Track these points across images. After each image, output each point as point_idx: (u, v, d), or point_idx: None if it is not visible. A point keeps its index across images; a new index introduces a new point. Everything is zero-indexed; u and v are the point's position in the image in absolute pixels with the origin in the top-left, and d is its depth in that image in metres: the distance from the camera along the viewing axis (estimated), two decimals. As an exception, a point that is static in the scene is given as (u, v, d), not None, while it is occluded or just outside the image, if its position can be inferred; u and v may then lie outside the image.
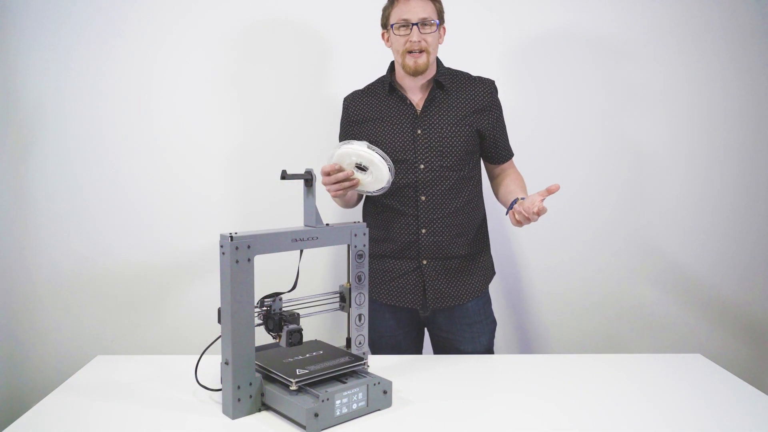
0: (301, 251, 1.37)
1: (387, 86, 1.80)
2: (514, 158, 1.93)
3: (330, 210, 2.20)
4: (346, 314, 1.45)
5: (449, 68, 1.84)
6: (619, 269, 2.39)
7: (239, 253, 1.22)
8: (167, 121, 2.27)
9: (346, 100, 1.89)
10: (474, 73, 1.85)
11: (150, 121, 2.26)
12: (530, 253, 2.39)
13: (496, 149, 1.86)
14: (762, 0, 2.29)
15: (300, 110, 2.29)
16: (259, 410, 1.30)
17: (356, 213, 2.05)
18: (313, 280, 2.32)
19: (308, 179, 1.37)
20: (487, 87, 1.82)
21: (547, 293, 2.40)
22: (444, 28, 1.79)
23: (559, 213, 2.37)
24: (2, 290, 2.26)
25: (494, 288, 1.99)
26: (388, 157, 1.56)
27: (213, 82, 2.27)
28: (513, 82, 2.29)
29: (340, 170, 1.57)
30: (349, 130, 1.86)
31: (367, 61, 2.24)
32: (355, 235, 1.42)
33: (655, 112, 2.34)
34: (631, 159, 2.36)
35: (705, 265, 2.40)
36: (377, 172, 1.55)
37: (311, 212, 1.37)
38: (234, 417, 1.26)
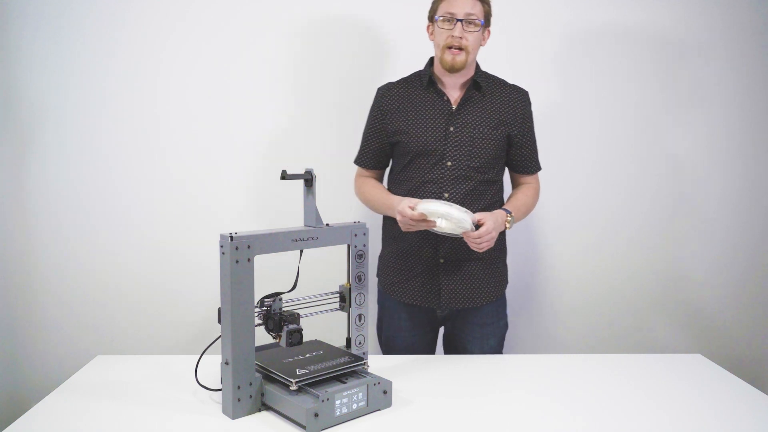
0: (301, 251, 1.37)
1: (425, 79, 1.79)
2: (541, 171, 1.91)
3: (330, 210, 2.20)
4: (346, 314, 1.45)
5: (486, 72, 1.83)
6: (619, 270, 2.39)
7: (239, 253, 1.22)
8: (168, 121, 2.26)
9: (380, 89, 1.87)
10: (508, 79, 1.85)
11: (150, 122, 2.26)
12: (529, 252, 2.39)
13: (522, 158, 1.85)
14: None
15: (301, 110, 2.29)
16: (259, 410, 1.30)
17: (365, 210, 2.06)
18: (313, 280, 2.31)
19: (308, 179, 1.37)
20: (522, 96, 1.82)
21: (544, 293, 2.40)
22: (489, 31, 1.78)
23: (558, 213, 2.36)
24: (2, 290, 2.26)
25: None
26: (467, 210, 1.61)
27: (214, 81, 2.26)
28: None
29: (425, 220, 1.60)
30: (379, 119, 1.83)
31: (373, 62, 2.24)
32: (355, 235, 1.42)
33: (662, 114, 2.34)
34: (634, 161, 2.35)
35: (705, 265, 2.40)
36: (459, 224, 1.60)
37: (311, 212, 1.37)
38: (234, 417, 1.26)
